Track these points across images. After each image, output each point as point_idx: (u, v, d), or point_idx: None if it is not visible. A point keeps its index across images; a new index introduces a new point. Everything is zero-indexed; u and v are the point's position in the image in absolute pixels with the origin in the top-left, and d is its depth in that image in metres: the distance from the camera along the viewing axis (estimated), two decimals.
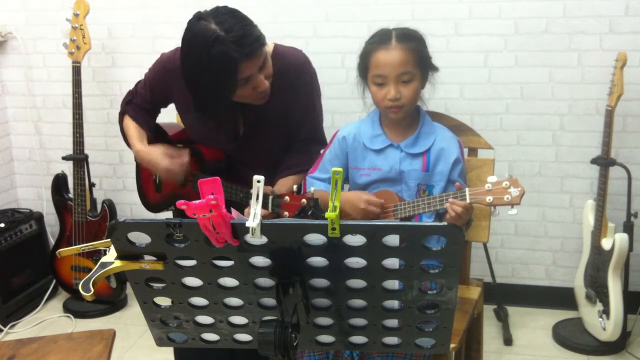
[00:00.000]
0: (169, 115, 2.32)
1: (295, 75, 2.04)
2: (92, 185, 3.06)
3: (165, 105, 2.27)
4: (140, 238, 1.10)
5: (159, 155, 2.07)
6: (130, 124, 2.20)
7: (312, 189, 1.71)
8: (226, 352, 2.08)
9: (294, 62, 2.05)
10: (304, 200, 1.66)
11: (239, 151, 2.15)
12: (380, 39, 1.90)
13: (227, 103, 1.93)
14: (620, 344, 2.56)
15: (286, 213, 1.69)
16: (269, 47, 2.02)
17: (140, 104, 2.22)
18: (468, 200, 1.76)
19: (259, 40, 1.84)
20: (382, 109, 1.95)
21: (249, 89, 1.88)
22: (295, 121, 2.10)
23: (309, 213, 1.63)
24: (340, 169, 1.03)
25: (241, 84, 1.85)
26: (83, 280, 1.10)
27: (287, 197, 1.71)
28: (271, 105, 2.02)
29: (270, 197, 1.77)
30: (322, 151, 2.12)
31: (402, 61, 1.85)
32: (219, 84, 1.83)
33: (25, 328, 2.96)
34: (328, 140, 2.12)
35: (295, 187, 1.75)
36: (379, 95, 1.89)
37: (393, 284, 1.13)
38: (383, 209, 1.89)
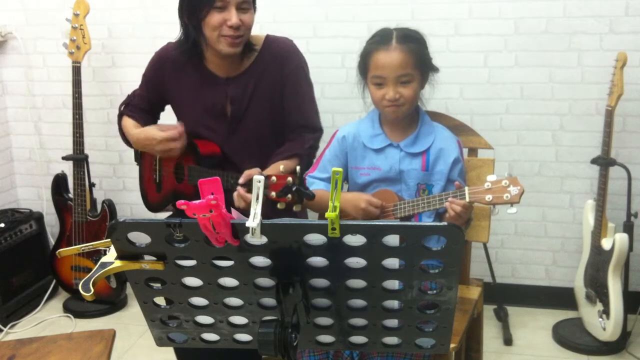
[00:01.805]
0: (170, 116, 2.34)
1: (283, 59, 2.15)
2: (92, 185, 3.05)
3: (162, 106, 2.35)
4: (140, 238, 1.09)
5: (153, 129, 2.17)
6: (127, 122, 2.29)
7: (297, 167, 1.71)
8: (228, 352, 2.08)
9: (283, 48, 2.17)
10: (289, 179, 1.66)
11: (231, 134, 2.19)
12: (380, 39, 1.90)
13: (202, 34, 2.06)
14: (620, 344, 2.56)
15: (273, 193, 1.70)
16: (261, 37, 2.17)
17: (138, 105, 2.32)
18: (467, 199, 1.75)
19: None
20: (380, 109, 1.95)
21: (220, 18, 2.00)
22: (284, 106, 2.17)
23: (293, 189, 1.64)
24: (340, 169, 1.03)
25: (216, 6, 1.99)
26: (83, 280, 1.10)
27: (274, 178, 1.72)
28: (256, 82, 2.13)
29: None
30: (320, 147, 2.12)
31: (401, 63, 1.85)
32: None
33: (25, 328, 2.95)
34: (324, 133, 2.14)
35: (282, 167, 1.79)
36: (377, 95, 1.89)
37: (393, 284, 1.13)
38: (383, 209, 1.89)
